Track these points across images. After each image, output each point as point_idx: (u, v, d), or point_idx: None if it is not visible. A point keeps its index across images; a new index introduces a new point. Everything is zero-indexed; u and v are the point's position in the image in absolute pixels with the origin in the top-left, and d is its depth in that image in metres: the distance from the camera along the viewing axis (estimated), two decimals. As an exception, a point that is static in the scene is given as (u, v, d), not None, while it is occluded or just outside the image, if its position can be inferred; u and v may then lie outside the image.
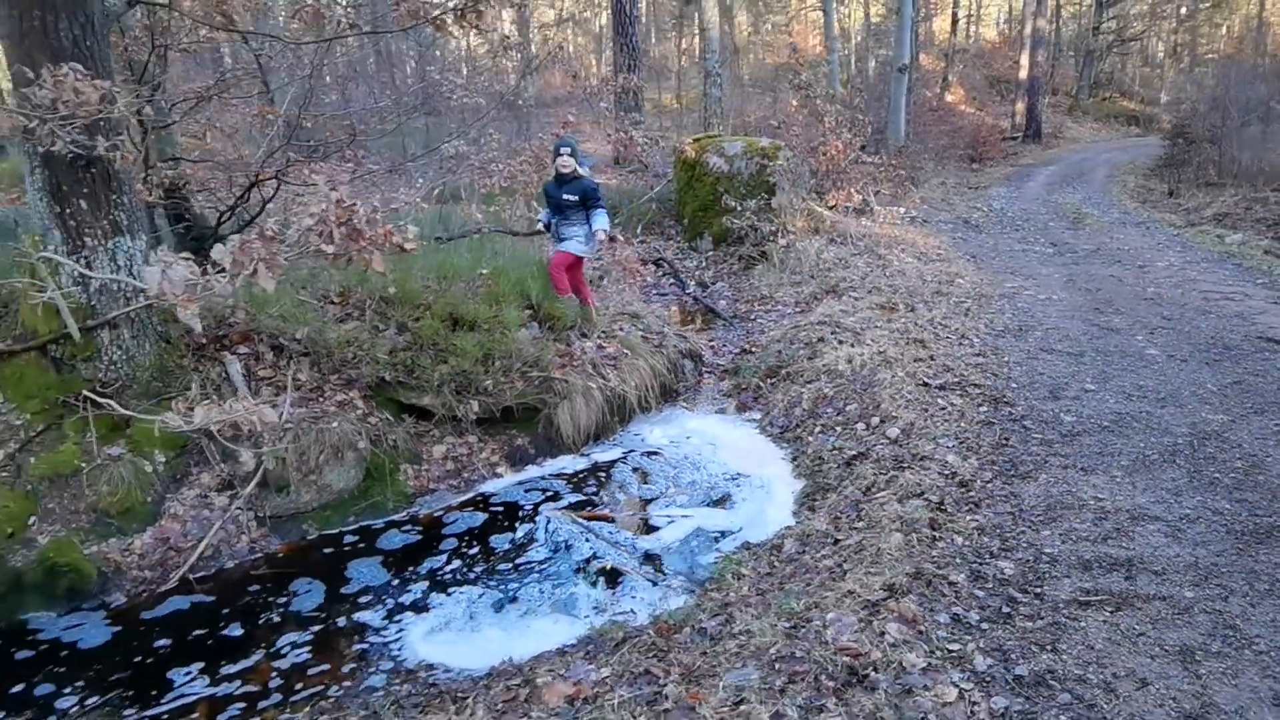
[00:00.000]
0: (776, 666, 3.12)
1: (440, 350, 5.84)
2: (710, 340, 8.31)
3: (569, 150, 6.51)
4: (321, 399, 5.54)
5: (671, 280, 10.56)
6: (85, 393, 5.00)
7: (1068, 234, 12.26)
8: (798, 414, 6.19)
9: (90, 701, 3.77)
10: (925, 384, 5.90)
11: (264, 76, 7.24)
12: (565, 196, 6.52)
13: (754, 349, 7.82)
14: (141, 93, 4.40)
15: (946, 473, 4.63)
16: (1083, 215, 13.83)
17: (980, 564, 3.70)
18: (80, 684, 3.91)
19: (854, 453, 5.27)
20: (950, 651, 3.10)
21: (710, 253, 11.52)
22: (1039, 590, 3.49)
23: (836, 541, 4.21)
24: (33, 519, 4.72)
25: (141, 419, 4.89)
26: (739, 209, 10.68)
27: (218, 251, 3.85)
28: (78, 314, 5.02)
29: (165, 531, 4.92)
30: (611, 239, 7.54)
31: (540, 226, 7.15)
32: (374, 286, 6.12)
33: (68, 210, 4.85)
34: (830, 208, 11.72)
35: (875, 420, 5.58)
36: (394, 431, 5.65)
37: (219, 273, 3.85)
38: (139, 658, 4.11)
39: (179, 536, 4.92)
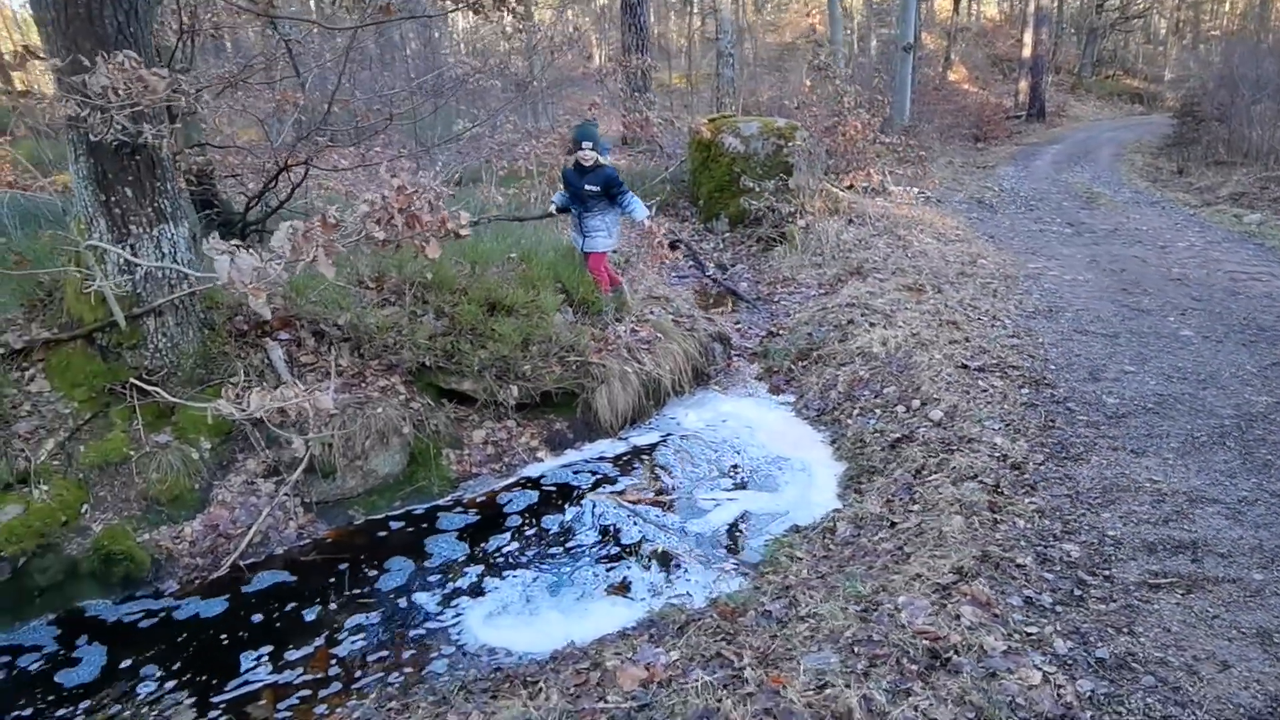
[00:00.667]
0: (855, 650, 3.15)
1: (479, 335, 5.83)
2: (736, 323, 8.31)
3: (590, 143, 6.40)
4: (364, 384, 5.54)
5: (690, 262, 10.53)
6: (132, 380, 5.00)
7: (1083, 214, 12.24)
8: (833, 397, 6.21)
9: (168, 686, 3.79)
10: (964, 366, 5.91)
11: (294, 62, 7.17)
12: (587, 186, 6.45)
13: (781, 331, 7.83)
14: (174, 79, 4.34)
15: (997, 455, 4.65)
16: (1095, 195, 13.81)
17: (1045, 547, 3.72)
18: (148, 671, 3.92)
19: (898, 435, 5.28)
20: (1029, 634, 3.13)
21: (727, 234, 11.50)
22: (1107, 573, 3.52)
23: (893, 525, 4.23)
24: (85, 507, 4.73)
25: (190, 406, 4.89)
26: (757, 190, 10.66)
27: (277, 238, 3.83)
28: (123, 302, 5.00)
29: (214, 518, 4.94)
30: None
31: (553, 209, 7.07)
32: (410, 272, 6.10)
33: (113, 198, 4.82)
34: (847, 188, 11.69)
35: (916, 403, 5.59)
36: (435, 416, 5.66)
37: (274, 259, 3.85)
38: (200, 644, 4.12)
39: (228, 523, 4.93)
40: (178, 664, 3.98)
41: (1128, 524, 3.88)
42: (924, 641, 3.10)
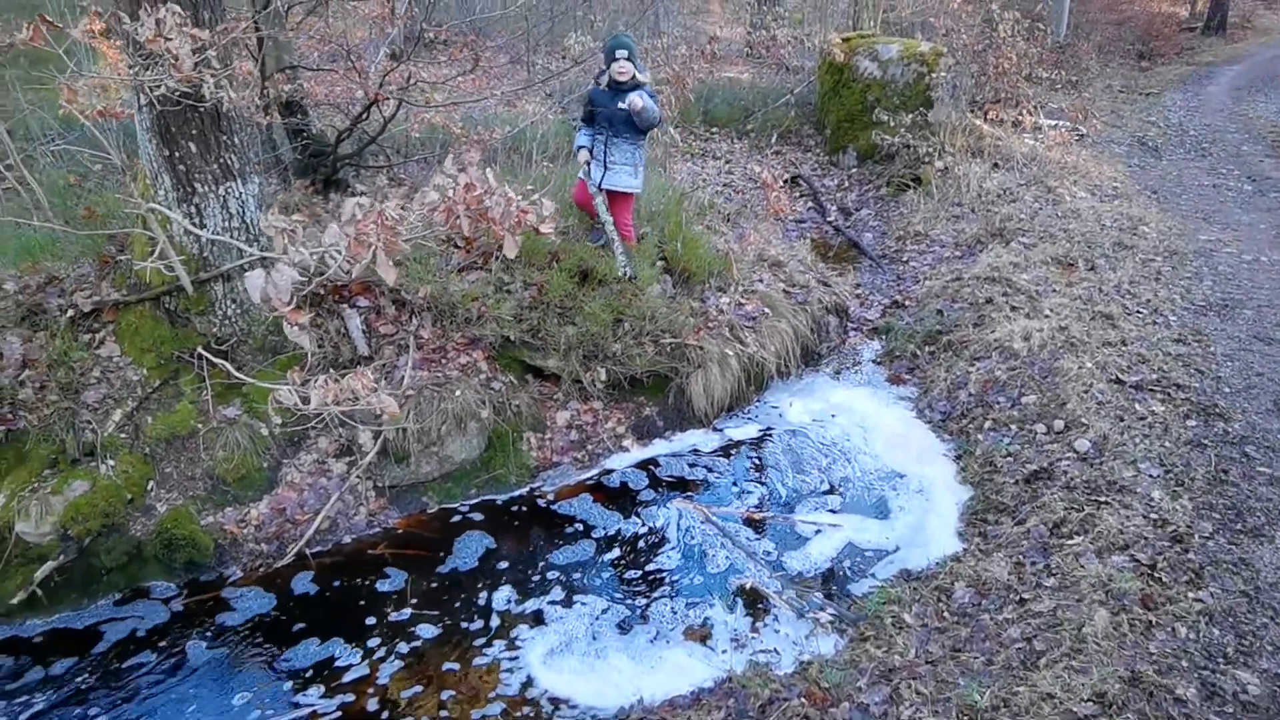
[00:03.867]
0: (967, 803, 2.63)
1: (567, 310, 5.34)
2: (856, 286, 7.54)
3: (626, 53, 5.32)
4: (444, 361, 5.16)
5: (810, 203, 9.69)
6: (200, 349, 4.73)
7: (1268, 163, 10.67)
8: (963, 399, 5.49)
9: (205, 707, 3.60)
10: (1118, 381, 5.09)
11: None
12: (620, 107, 5.38)
13: (908, 302, 7.04)
14: (216, 39, 3.86)
15: (1154, 517, 3.92)
16: (1284, 136, 12.06)
17: (1213, 672, 3.06)
18: (190, 682, 3.75)
19: (1034, 467, 4.58)
20: (1189, 815, 2.54)
21: (854, 170, 10.55)
22: (1295, 723, 2.86)
23: (1022, 601, 3.61)
24: (151, 484, 4.56)
25: (255, 384, 4.60)
26: (891, 124, 9.63)
27: (330, 234, 3.38)
28: (190, 265, 4.71)
29: (282, 501, 4.71)
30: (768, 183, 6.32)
31: (582, 157, 5.63)
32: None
33: (177, 154, 4.47)
34: (992, 120, 10.47)
35: (1059, 424, 4.85)
36: (518, 396, 5.25)
37: (330, 249, 3.41)
38: (251, 651, 3.92)
39: (295, 507, 4.70)
40: (222, 677, 3.79)
41: (1323, 646, 3.16)
42: (1055, 808, 2.55)
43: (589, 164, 5.60)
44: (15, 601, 4.17)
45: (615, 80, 5.35)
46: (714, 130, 11.54)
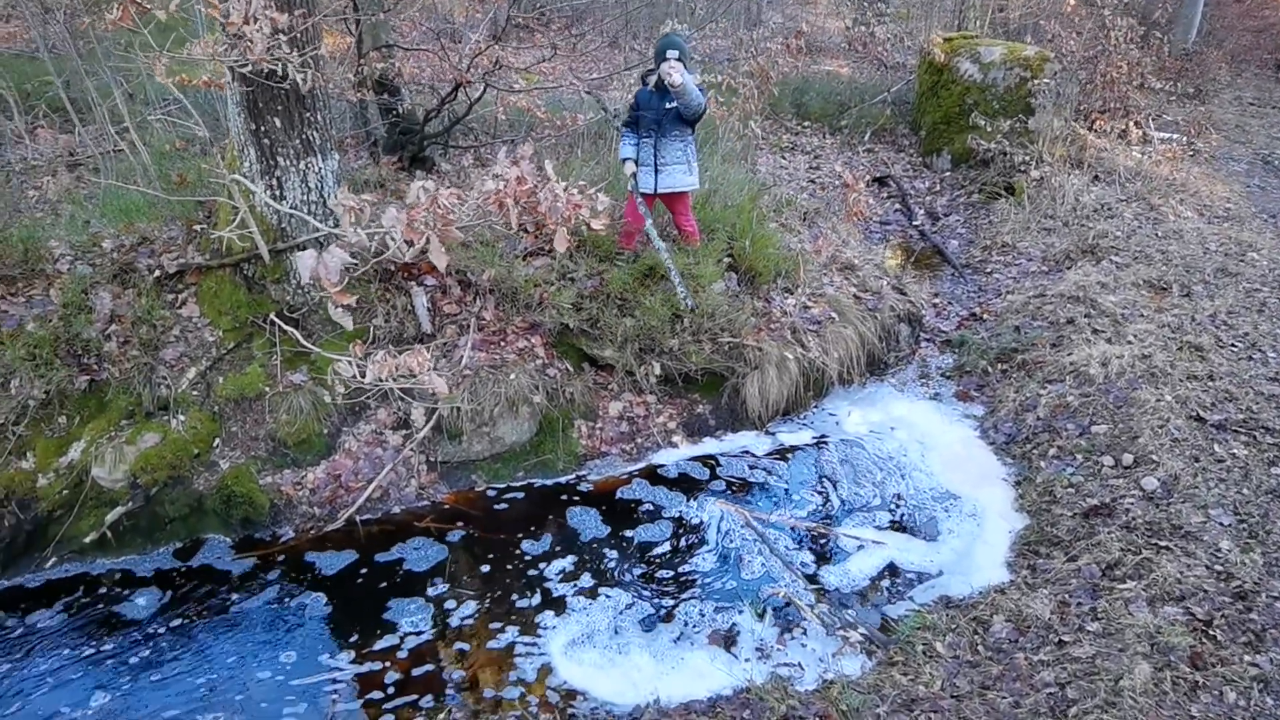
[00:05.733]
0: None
1: (626, 304, 5.34)
2: (934, 294, 7.32)
3: (677, 54, 5.13)
4: (503, 344, 5.23)
5: (897, 205, 9.44)
6: (273, 316, 4.92)
7: (1406, 191, 9.91)
8: (1030, 423, 5.28)
9: (246, 660, 3.76)
10: (1199, 418, 4.82)
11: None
12: (668, 105, 5.30)
13: (986, 316, 6.81)
14: (294, 21, 3.97)
15: (1218, 569, 3.71)
16: None
17: (1257, 740, 2.90)
18: (227, 638, 3.93)
19: (1095, 501, 4.38)
20: None
21: (947, 173, 10.22)
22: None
23: (1061, 644, 3.47)
24: (217, 441, 4.77)
25: (321, 354, 4.76)
26: (988, 129, 9.29)
27: (388, 217, 3.47)
28: (268, 235, 4.89)
29: (338, 467, 4.87)
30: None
31: (629, 168, 5.50)
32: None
33: (262, 128, 4.64)
34: (1097, 130, 9.98)
35: (1128, 458, 4.62)
36: (572, 384, 5.29)
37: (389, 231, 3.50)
38: (293, 609, 4.09)
39: (350, 474, 4.86)
40: (262, 631, 3.96)
41: (1384, 724, 2.95)
42: None
43: (635, 175, 5.50)
44: (88, 540, 4.44)
45: (664, 80, 5.21)
46: (806, 124, 11.34)
